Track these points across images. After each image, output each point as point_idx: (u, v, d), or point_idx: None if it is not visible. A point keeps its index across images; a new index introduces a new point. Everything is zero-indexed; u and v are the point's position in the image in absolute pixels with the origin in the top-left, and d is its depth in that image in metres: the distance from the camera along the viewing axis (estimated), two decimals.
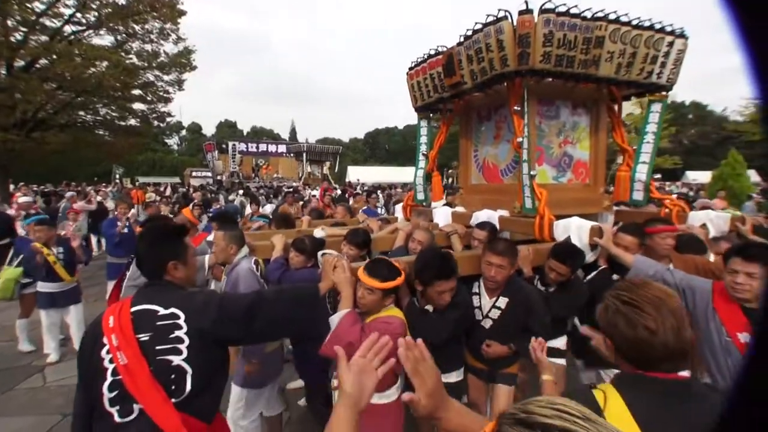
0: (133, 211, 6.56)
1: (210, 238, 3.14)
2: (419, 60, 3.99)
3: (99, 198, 12.51)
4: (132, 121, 18.12)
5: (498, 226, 3.37)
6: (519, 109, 3.20)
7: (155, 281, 1.67)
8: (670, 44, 3.28)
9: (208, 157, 27.26)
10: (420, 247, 2.99)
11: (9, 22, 13.37)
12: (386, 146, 63.90)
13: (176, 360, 1.49)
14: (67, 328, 5.06)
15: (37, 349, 5.05)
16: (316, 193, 13.43)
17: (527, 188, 3.16)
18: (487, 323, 2.51)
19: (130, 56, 16.20)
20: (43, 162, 20.73)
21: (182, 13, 16.28)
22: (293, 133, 68.48)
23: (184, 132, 62.02)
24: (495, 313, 2.47)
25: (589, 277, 2.86)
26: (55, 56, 13.61)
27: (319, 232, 3.13)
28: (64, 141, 15.03)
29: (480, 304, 2.53)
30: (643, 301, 1.12)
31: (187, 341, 1.51)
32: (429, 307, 2.26)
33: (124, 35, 15.94)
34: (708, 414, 1.03)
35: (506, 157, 3.77)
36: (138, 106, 17.55)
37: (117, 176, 23.60)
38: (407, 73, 4.22)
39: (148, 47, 16.61)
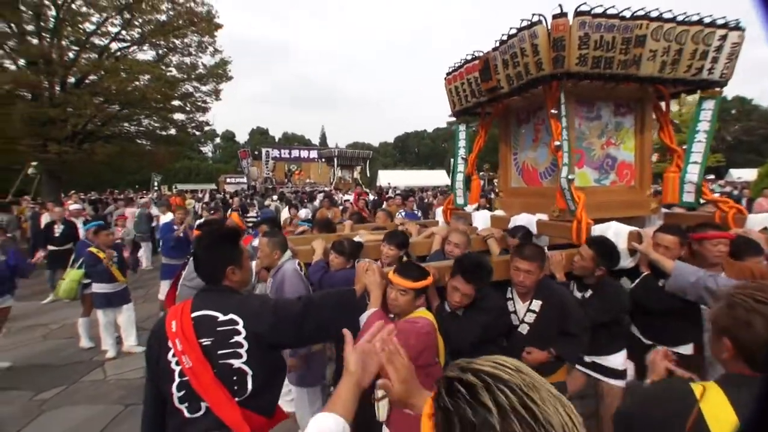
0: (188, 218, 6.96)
1: (255, 243, 3.29)
2: (456, 65, 3.99)
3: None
4: (172, 131, 18.94)
5: (536, 230, 3.34)
6: (556, 112, 3.15)
7: (213, 286, 1.76)
8: (723, 38, 3.12)
9: (243, 163, 27.85)
10: (456, 249, 3.01)
11: (63, 42, 14.36)
12: (416, 150, 63.75)
13: (237, 363, 1.59)
14: (118, 328, 5.44)
15: (95, 345, 5.49)
16: (349, 197, 13.61)
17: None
18: (524, 329, 2.51)
19: (170, 69, 17.00)
20: (88, 172, 21.85)
21: (219, 26, 16.95)
22: (323, 138, 69.19)
23: (218, 140, 63.17)
24: (530, 317, 2.46)
25: (633, 285, 2.77)
26: (103, 72, 14.47)
27: (358, 238, 3.22)
28: (111, 152, 15.92)
29: (515, 309, 2.54)
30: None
31: (246, 345, 1.60)
32: (459, 312, 2.29)
33: (164, 49, 16.75)
34: None
35: (545, 160, 3.71)
36: (178, 116, 18.32)
37: (156, 184, 24.45)
38: (445, 79, 4.23)
39: (187, 60, 17.39)
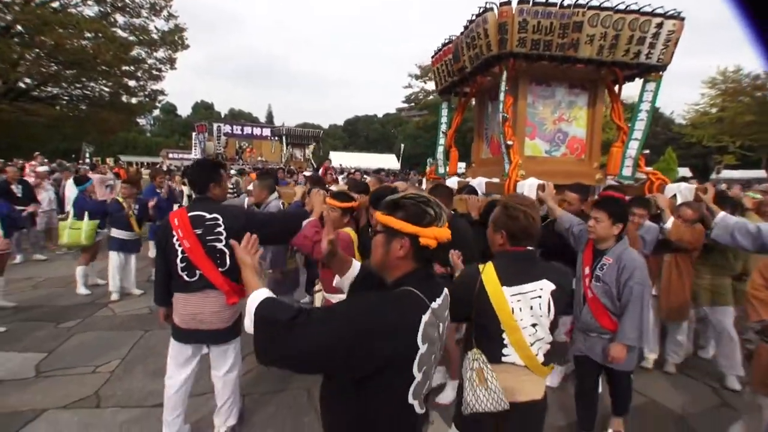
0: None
1: (250, 187, 4.19)
2: (438, 48, 4.60)
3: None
4: (124, 98, 17.88)
5: (485, 190, 3.91)
6: (507, 88, 3.68)
7: (201, 197, 2.57)
8: (659, 25, 3.48)
9: (200, 137, 25.57)
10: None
11: None
12: (366, 134, 61.14)
13: (219, 245, 2.43)
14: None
15: (91, 293, 5.64)
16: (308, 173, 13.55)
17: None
18: None
19: (115, 29, 15.76)
20: (26, 134, 18.74)
21: None
22: (270, 116, 66.57)
23: (156, 112, 54.03)
24: None
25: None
26: (40, 23, 13.13)
27: (334, 188, 3.98)
28: (56, 114, 15.04)
29: None
30: (524, 203, 1.80)
31: (225, 234, 2.43)
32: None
33: (110, 7, 15.38)
34: (537, 268, 1.78)
35: None
36: (131, 82, 17.41)
37: (87, 154, 22.31)
38: (431, 60, 4.85)
39: (136, 21, 16.12)
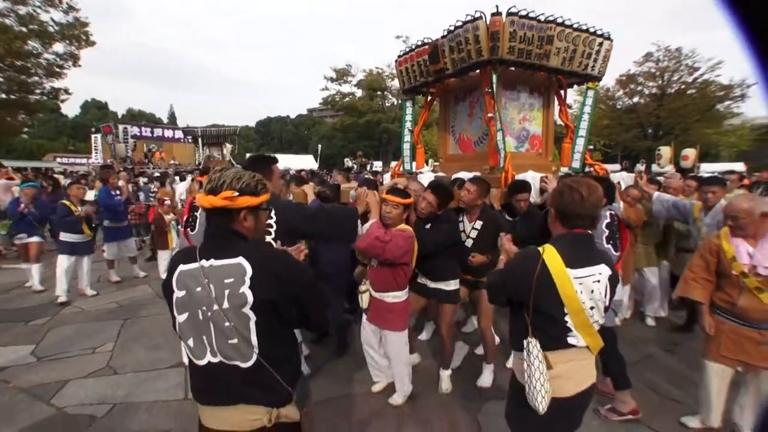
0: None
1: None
2: (407, 49, 4.81)
3: None
4: (17, 95, 16.25)
5: None
6: (490, 90, 4.10)
7: None
8: (600, 44, 4.31)
9: (109, 139, 23.50)
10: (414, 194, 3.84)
11: None
12: (279, 135, 61.86)
13: (268, 238, 2.23)
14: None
15: (45, 289, 5.84)
16: None
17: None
18: (469, 242, 3.37)
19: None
20: None
21: None
22: (173, 117, 62.51)
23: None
24: (474, 233, 3.35)
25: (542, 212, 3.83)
26: None
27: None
28: None
29: (464, 228, 3.41)
30: (581, 183, 1.82)
31: (274, 227, 2.28)
32: (428, 226, 3.13)
33: None
34: (595, 252, 1.80)
35: (478, 131, 4.68)
36: (29, 79, 15.98)
37: None
38: (396, 61, 5.03)
39: (21, 9, 14.47)
